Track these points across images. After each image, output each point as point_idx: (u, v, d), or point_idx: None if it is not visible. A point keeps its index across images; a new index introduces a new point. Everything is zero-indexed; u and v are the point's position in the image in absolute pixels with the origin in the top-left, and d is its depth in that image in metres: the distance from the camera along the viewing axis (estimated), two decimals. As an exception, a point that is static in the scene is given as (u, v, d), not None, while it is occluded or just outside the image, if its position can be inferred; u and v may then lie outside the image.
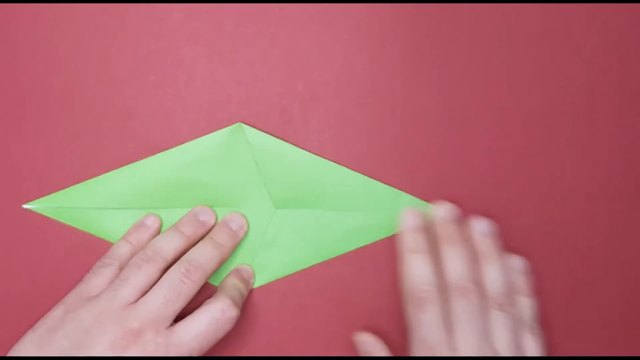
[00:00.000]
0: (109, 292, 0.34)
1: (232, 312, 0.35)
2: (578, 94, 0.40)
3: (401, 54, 0.39)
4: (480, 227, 0.38)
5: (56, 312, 0.34)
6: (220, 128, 0.39)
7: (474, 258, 0.36)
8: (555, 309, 0.40)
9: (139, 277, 0.34)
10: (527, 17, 0.40)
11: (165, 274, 0.35)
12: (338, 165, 0.39)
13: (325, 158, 0.39)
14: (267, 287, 0.39)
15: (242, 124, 0.38)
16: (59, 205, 0.38)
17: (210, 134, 0.38)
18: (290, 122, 0.39)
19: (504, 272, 0.36)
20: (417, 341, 0.34)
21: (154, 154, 0.39)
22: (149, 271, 0.35)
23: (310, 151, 0.39)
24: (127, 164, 0.38)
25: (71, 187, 0.38)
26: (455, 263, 0.36)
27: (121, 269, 0.36)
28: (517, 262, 0.38)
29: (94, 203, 0.38)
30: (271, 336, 0.39)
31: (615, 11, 0.41)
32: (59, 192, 0.38)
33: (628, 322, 0.40)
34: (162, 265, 0.35)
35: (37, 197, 0.38)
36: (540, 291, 0.40)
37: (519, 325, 0.35)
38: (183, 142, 0.39)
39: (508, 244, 0.40)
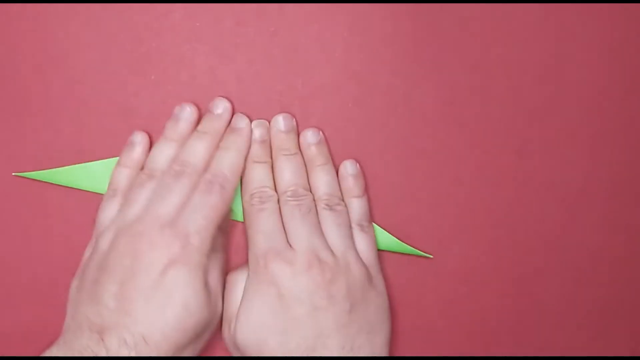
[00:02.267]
0: (119, 216, 0.36)
1: (217, 179, 0.36)
2: (578, 94, 0.40)
3: (401, 52, 0.40)
4: (310, 136, 0.38)
5: (85, 255, 0.36)
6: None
7: (304, 167, 0.38)
8: (554, 308, 0.40)
9: (143, 195, 0.36)
10: (527, 17, 0.40)
11: (159, 181, 0.36)
12: None
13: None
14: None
15: None
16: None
17: None
18: (290, 120, 0.39)
19: (331, 175, 0.38)
20: (256, 234, 0.36)
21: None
22: (150, 187, 0.36)
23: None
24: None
25: (66, 167, 0.39)
26: (287, 171, 0.37)
27: (125, 194, 0.37)
28: (348, 166, 0.39)
29: (93, 187, 0.39)
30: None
31: (615, 11, 0.41)
32: (54, 169, 0.39)
33: (627, 322, 0.40)
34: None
35: (37, 195, 0.39)
36: (540, 290, 0.40)
37: (349, 222, 0.38)
38: (183, 140, 0.39)
39: (506, 242, 0.40)
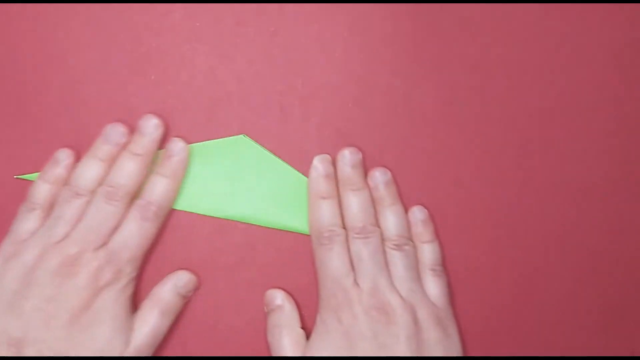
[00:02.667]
0: (46, 231, 0.35)
1: (152, 207, 0.36)
2: (578, 94, 0.40)
3: (400, 52, 0.40)
4: (378, 176, 0.39)
5: None
6: (220, 126, 0.39)
7: (372, 203, 0.38)
8: (554, 308, 0.40)
9: (69, 212, 0.36)
10: (527, 17, 0.40)
11: (90, 203, 0.36)
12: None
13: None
14: (267, 284, 0.39)
15: (246, 137, 0.39)
16: None
17: (213, 141, 0.39)
18: (290, 120, 0.39)
19: (400, 216, 0.38)
20: (325, 277, 0.36)
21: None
22: (76, 205, 0.36)
23: (309, 149, 0.39)
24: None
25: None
26: (355, 207, 0.37)
27: (44, 209, 0.37)
28: (417, 212, 0.39)
29: None
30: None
31: (615, 11, 0.41)
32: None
33: (627, 322, 0.40)
34: (88, 197, 0.36)
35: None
36: (540, 290, 0.40)
37: (418, 265, 0.38)
38: (183, 140, 0.39)
39: (506, 242, 0.40)
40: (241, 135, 0.39)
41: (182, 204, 0.38)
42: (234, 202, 0.39)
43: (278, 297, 0.38)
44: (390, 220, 0.38)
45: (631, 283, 0.40)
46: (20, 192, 0.39)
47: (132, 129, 0.39)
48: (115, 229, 0.36)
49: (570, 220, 0.40)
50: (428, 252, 0.38)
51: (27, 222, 0.37)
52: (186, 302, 0.38)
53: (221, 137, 0.39)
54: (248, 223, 0.39)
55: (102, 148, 0.37)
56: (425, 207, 0.39)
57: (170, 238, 0.39)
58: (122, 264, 0.35)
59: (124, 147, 0.37)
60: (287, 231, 0.39)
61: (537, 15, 0.40)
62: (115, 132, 0.37)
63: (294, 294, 0.39)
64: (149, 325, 0.36)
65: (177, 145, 0.38)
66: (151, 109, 0.39)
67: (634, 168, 0.40)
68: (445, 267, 0.39)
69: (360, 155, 0.38)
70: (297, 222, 0.39)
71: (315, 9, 0.39)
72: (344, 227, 0.37)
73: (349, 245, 0.37)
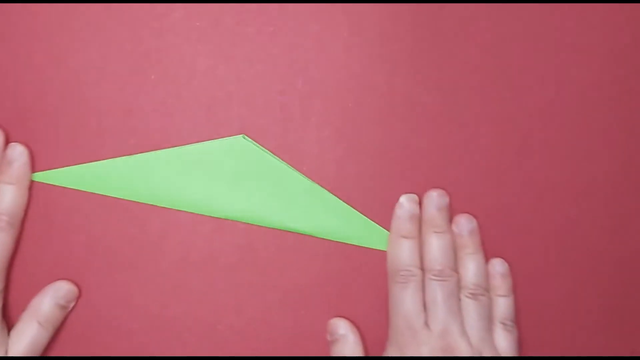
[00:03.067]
0: None
1: (3, 217, 0.36)
2: (578, 94, 0.40)
3: (401, 52, 0.40)
4: (464, 223, 0.39)
5: None
6: (220, 126, 0.39)
7: (454, 248, 0.38)
8: (554, 308, 0.40)
9: None
10: (527, 17, 0.40)
11: None
12: (325, 191, 0.39)
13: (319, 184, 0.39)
14: (267, 284, 0.39)
15: (245, 137, 0.39)
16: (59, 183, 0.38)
17: (213, 141, 0.39)
18: (290, 119, 0.39)
19: (480, 265, 0.38)
20: (396, 314, 0.37)
21: (154, 150, 0.39)
22: None
23: (309, 149, 0.39)
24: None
25: (73, 167, 0.39)
26: (435, 249, 0.37)
27: None
28: (497, 264, 0.39)
29: (94, 187, 0.38)
30: (270, 334, 0.39)
31: (615, 11, 0.41)
32: (61, 169, 0.38)
33: (626, 322, 0.40)
34: None
35: (37, 192, 0.38)
36: (540, 290, 0.40)
37: (490, 317, 0.38)
38: (183, 140, 0.39)
39: (505, 242, 0.40)
40: (240, 136, 0.39)
41: (182, 205, 0.38)
42: (234, 202, 0.39)
43: (341, 327, 0.38)
44: (470, 268, 0.38)
45: (631, 283, 0.40)
46: (19, 192, 0.39)
47: (132, 128, 0.39)
48: None
49: (571, 219, 0.40)
50: (502, 306, 0.38)
51: None
52: (67, 313, 0.37)
53: (221, 137, 0.39)
54: (248, 223, 0.39)
55: None
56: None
57: (171, 238, 0.38)
58: None
59: None
60: (287, 231, 0.39)
61: (537, 15, 0.40)
62: None
63: (293, 293, 0.39)
64: (27, 337, 0.35)
65: (15, 150, 0.37)
66: (151, 109, 0.39)
67: (635, 168, 0.40)
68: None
69: (447, 199, 0.39)
70: (296, 222, 0.39)
71: (315, 8, 0.39)
72: (422, 269, 0.37)
73: (424, 287, 0.37)
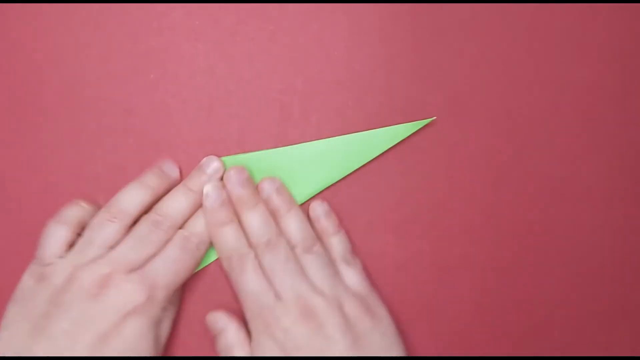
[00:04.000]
0: (76, 253, 0.35)
1: (194, 239, 0.36)
2: (578, 93, 0.40)
3: (400, 51, 0.40)
4: (267, 187, 0.38)
5: (28, 283, 0.35)
6: (220, 125, 0.39)
7: (270, 215, 0.37)
8: (553, 308, 0.40)
9: (104, 235, 0.35)
10: (527, 17, 0.40)
11: (133, 227, 0.35)
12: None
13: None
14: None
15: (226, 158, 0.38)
16: None
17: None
18: (289, 119, 0.39)
19: (300, 219, 0.38)
20: (246, 299, 0.36)
21: (154, 150, 0.39)
22: (114, 229, 0.35)
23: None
24: (127, 160, 0.38)
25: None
26: (254, 223, 0.37)
27: (74, 230, 0.36)
28: (317, 207, 0.39)
29: None
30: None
31: (615, 11, 0.41)
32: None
33: (626, 322, 0.40)
34: (126, 221, 0.35)
35: (37, 193, 0.38)
36: (540, 290, 0.40)
37: (332, 261, 0.38)
38: (183, 139, 0.39)
39: (506, 241, 0.40)
40: (222, 159, 0.38)
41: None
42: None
43: (220, 321, 0.37)
44: (292, 226, 0.37)
45: (631, 283, 0.40)
46: (19, 192, 0.39)
47: (132, 128, 0.39)
48: (152, 257, 0.35)
49: (571, 219, 0.40)
50: (337, 245, 0.38)
51: (54, 239, 0.35)
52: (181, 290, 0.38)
53: (220, 137, 0.39)
54: None
55: (153, 178, 0.37)
56: (424, 206, 0.39)
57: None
58: (156, 289, 0.34)
59: (171, 181, 0.37)
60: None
61: (537, 15, 0.40)
62: (170, 166, 0.38)
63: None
64: (167, 324, 0.36)
65: (215, 164, 0.38)
66: (151, 108, 0.39)
67: (635, 168, 0.40)
68: (446, 266, 0.39)
69: (246, 172, 0.38)
70: (308, 187, 0.39)
71: (315, 8, 0.39)
72: (250, 247, 0.37)
73: (260, 262, 0.36)
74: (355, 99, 0.39)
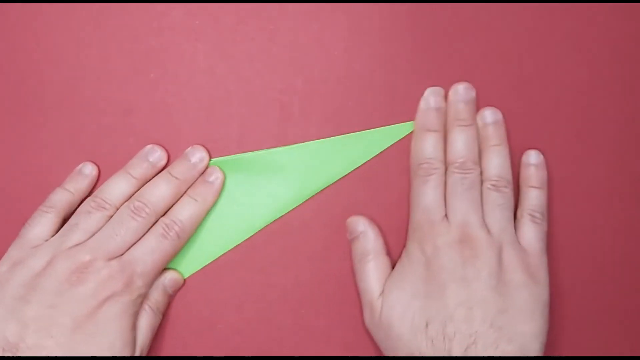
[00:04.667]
0: (58, 238, 0.35)
1: (175, 227, 0.35)
2: (577, 92, 0.40)
3: (400, 51, 0.40)
4: (488, 115, 0.38)
5: (2, 268, 0.34)
6: (220, 124, 0.39)
7: (477, 142, 0.37)
8: (553, 308, 0.40)
9: (88, 223, 0.35)
10: (527, 17, 0.40)
11: (115, 214, 0.35)
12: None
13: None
14: (267, 282, 0.39)
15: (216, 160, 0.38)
16: None
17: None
18: (289, 118, 0.39)
19: (504, 158, 0.37)
20: (416, 208, 0.36)
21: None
22: (97, 217, 0.35)
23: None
24: (127, 160, 0.38)
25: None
26: (459, 142, 0.37)
27: (60, 216, 0.36)
28: (532, 155, 0.38)
29: None
30: (270, 333, 0.39)
31: (615, 11, 0.41)
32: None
33: (626, 322, 0.40)
34: (111, 211, 0.36)
35: (36, 192, 0.38)
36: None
37: (513, 210, 0.37)
38: (183, 138, 0.39)
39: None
40: (212, 161, 0.38)
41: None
42: (256, 214, 0.38)
43: (360, 224, 0.37)
44: (494, 161, 0.37)
45: (631, 283, 0.40)
46: (19, 192, 0.39)
47: (132, 127, 0.39)
48: (132, 244, 0.35)
49: (570, 219, 0.40)
50: (533, 198, 0.37)
51: (38, 226, 0.36)
52: (171, 299, 0.38)
53: (220, 137, 0.39)
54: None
55: (137, 166, 0.37)
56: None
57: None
58: (134, 276, 0.34)
59: (158, 170, 0.37)
60: (288, 228, 0.39)
61: (537, 15, 0.40)
62: (155, 153, 0.37)
63: (294, 292, 0.39)
64: (147, 324, 0.36)
65: (214, 173, 0.37)
66: (151, 108, 0.39)
67: (635, 167, 0.40)
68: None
69: (474, 93, 0.38)
70: (299, 190, 0.39)
71: (315, 7, 0.39)
72: (445, 164, 0.37)
73: (446, 180, 0.36)
74: (355, 98, 0.39)
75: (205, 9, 0.39)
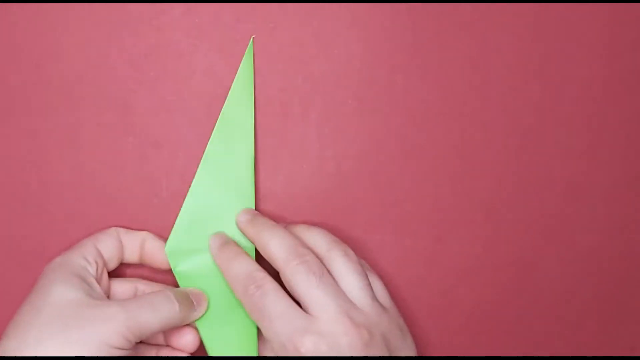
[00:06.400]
0: None
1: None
2: (578, 93, 0.40)
3: (400, 49, 0.40)
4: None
5: None
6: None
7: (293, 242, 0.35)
8: (553, 308, 0.40)
9: None
10: (527, 17, 0.40)
11: None
12: None
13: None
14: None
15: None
16: None
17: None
18: (289, 117, 0.39)
19: (319, 231, 0.36)
20: (270, 321, 0.32)
21: (153, 148, 0.39)
22: None
23: (309, 146, 0.39)
24: (127, 159, 0.38)
25: None
26: (274, 241, 0.34)
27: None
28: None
29: None
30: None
31: (615, 11, 0.41)
32: None
33: (627, 322, 0.40)
34: None
35: (36, 192, 0.38)
36: (539, 290, 0.40)
37: (361, 267, 0.35)
38: (183, 138, 0.39)
39: (505, 241, 0.40)
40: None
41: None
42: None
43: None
44: (316, 236, 0.36)
45: (631, 283, 0.40)
46: (19, 192, 0.38)
47: (131, 126, 0.38)
48: None
49: (570, 219, 0.40)
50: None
51: None
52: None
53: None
54: None
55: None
56: (424, 205, 0.39)
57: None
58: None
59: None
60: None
61: (537, 15, 0.40)
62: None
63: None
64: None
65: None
66: (150, 106, 0.39)
67: (635, 167, 0.41)
68: (445, 265, 0.39)
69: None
70: None
71: (315, 6, 0.39)
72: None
73: (287, 281, 0.34)
74: (355, 96, 0.39)
75: (205, 7, 0.39)
